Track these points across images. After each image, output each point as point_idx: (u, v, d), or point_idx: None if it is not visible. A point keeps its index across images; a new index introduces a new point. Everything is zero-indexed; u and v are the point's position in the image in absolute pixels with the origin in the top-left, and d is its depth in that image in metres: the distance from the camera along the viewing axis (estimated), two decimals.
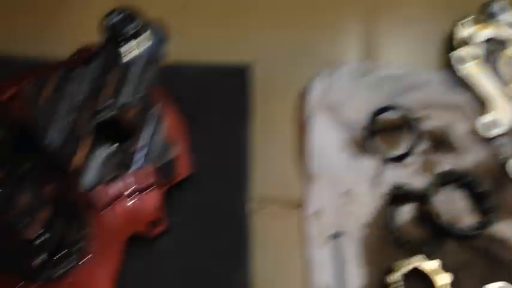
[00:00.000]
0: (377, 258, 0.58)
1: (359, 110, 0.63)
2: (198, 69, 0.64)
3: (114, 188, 0.52)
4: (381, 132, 0.63)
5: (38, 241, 0.45)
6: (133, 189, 0.54)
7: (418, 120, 0.63)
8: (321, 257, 0.57)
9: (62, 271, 0.50)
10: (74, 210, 0.52)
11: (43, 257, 0.47)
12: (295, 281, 0.57)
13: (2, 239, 0.43)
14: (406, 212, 0.61)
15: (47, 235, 0.45)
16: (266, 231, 0.59)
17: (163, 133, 0.50)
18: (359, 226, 0.59)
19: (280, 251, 0.59)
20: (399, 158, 0.62)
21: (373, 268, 0.57)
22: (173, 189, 0.57)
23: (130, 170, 0.49)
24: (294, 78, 0.67)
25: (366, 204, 0.60)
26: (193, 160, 0.59)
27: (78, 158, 0.48)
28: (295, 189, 0.62)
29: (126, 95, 0.51)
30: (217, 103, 0.63)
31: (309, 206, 0.60)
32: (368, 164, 0.62)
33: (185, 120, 0.59)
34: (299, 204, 0.61)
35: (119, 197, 0.54)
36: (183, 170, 0.57)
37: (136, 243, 0.55)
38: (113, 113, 0.51)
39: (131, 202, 0.54)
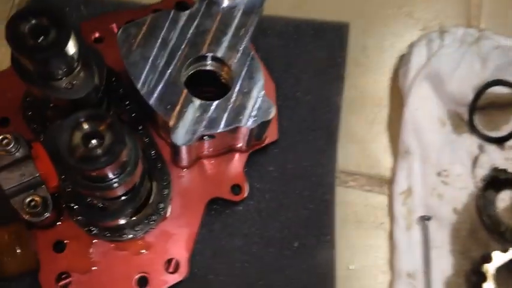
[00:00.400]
0: (468, 247, 0.54)
1: (463, 83, 0.56)
2: (291, 24, 0.59)
3: (201, 147, 0.49)
4: (486, 109, 0.57)
5: (126, 197, 0.43)
6: (220, 149, 0.51)
7: None
8: (408, 240, 0.53)
9: (143, 230, 0.48)
10: (161, 169, 0.49)
11: (127, 214, 0.45)
12: (378, 261, 0.54)
13: (86, 191, 0.41)
14: (504, 199, 0.56)
15: (135, 192, 0.43)
16: (350, 206, 0.56)
17: (259, 91, 0.46)
18: (451, 210, 0.55)
19: (365, 228, 0.55)
20: (502, 139, 0.57)
21: (464, 257, 0.53)
22: (257, 154, 0.54)
23: (221, 130, 0.45)
24: (391, 43, 0.62)
25: (460, 187, 0.55)
26: (281, 124, 0.55)
27: (172, 112, 0.45)
28: (385, 164, 0.57)
29: (225, 47, 0.47)
30: (309, 62, 0.58)
31: (398, 184, 0.55)
32: (468, 144, 0.56)
33: (274, 80, 0.56)
34: (388, 181, 0.57)
35: (205, 157, 0.52)
36: (271, 133, 0.53)
37: (218, 207, 0.53)
38: (210, 65, 0.48)
39: (216, 164, 0.52)
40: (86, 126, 0.34)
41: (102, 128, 0.34)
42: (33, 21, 0.37)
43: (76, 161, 0.33)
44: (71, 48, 0.38)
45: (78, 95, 0.39)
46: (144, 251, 0.49)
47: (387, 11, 0.64)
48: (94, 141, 0.34)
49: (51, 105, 0.45)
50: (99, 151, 0.34)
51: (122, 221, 0.46)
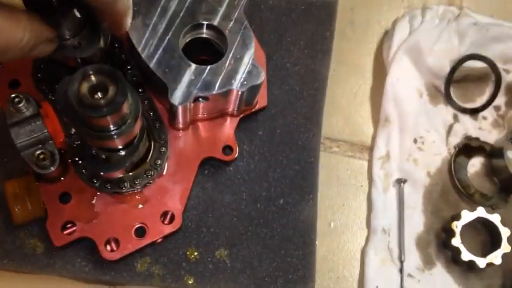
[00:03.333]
0: (440, 207, 0.59)
1: (441, 57, 0.61)
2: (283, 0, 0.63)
3: (196, 110, 0.53)
4: (461, 81, 0.62)
5: (126, 150, 0.47)
6: (213, 112, 0.55)
7: (500, 73, 0.61)
8: (384, 200, 0.58)
9: (141, 184, 0.52)
10: (159, 128, 0.54)
11: (127, 166, 0.49)
12: (357, 220, 0.59)
13: (91, 141, 0.45)
14: (474, 165, 0.61)
15: (135, 146, 0.48)
16: (333, 170, 0.60)
17: (250, 57, 0.50)
18: (425, 174, 0.60)
19: (346, 190, 0.60)
20: (475, 111, 0.61)
21: (435, 216, 0.58)
22: (248, 119, 0.58)
23: (214, 92, 0.49)
24: (377, 19, 0.66)
25: (435, 153, 0.60)
26: (271, 92, 0.59)
27: (169, 75, 0.49)
28: (367, 132, 0.62)
29: (220, 16, 0.51)
30: (299, 36, 0.62)
31: (378, 150, 0.60)
32: (443, 113, 0.61)
33: (265, 52, 0.59)
34: (368, 148, 0.62)
35: (199, 120, 0.56)
36: (261, 100, 0.57)
37: (210, 167, 0.57)
38: (205, 33, 0.52)
39: (209, 126, 0.56)
40: (93, 78, 0.38)
41: (107, 81, 0.38)
42: None
43: (83, 108, 0.37)
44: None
45: (85, 54, 0.43)
46: (142, 204, 0.53)
47: None
48: (99, 93, 0.38)
49: (59, 65, 0.49)
50: (103, 101, 0.38)
51: (123, 174, 0.50)
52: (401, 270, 0.56)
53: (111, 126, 0.41)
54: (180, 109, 0.51)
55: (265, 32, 0.61)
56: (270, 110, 0.59)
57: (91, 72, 0.37)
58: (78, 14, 0.42)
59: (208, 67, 0.50)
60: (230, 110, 0.55)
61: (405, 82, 0.61)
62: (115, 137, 0.42)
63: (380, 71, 0.64)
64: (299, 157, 0.58)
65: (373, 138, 0.61)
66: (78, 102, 0.37)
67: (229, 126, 0.57)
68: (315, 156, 0.58)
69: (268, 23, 0.62)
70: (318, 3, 0.64)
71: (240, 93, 0.51)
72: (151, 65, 0.50)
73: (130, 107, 0.41)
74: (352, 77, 0.64)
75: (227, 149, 0.56)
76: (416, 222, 0.58)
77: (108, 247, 0.52)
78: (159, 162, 0.53)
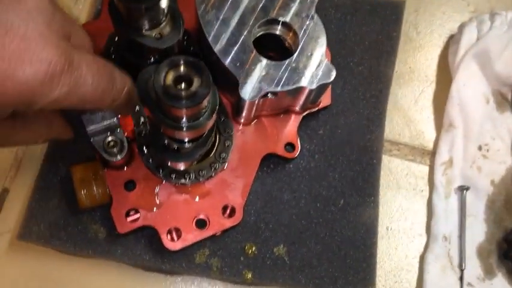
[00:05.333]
0: (502, 217, 0.57)
1: (509, 64, 0.59)
2: None
3: (262, 105, 0.53)
4: None
5: (197, 142, 0.48)
6: (278, 109, 0.55)
7: None
8: (445, 207, 0.57)
9: (205, 176, 0.53)
10: (224, 122, 0.54)
11: (196, 158, 0.50)
12: (415, 225, 0.58)
13: (167, 130, 0.46)
14: None
15: (205, 139, 0.48)
16: (392, 173, 0.60)
17: (322, 55, 0.50)
18: (489, 182, 0.58)
19: (405, 194, 0.59)
20: None
21: (497, 226, 0.57)
22: (309, 118, 0.58)
23: (285, 88, 0.49)
24: (442, 23, 0.65)
25: (499, 161, 0.59)
26: (334, 91, 0.59)
27: (241, 69, 0.49)
28: (428, 136, 0.61)
29: (293, 13, 0.51)
30: (364, 36, 0.62)
31: (441, 155, 0.59)
32: (509, 122, 0.60)
33: (330, 50, 0.59)
34: (430, 152, 0.61)
35: (263, 115, 0.56)
36: (324, 99, 0.57)
37: (270, 164, 0.57)
38: (277, 29, 0.52)
39: (273, 123, 0.56)
40: (181, 68, 0.38)
41: (192, 72, 0.38)
42: None
43: (167, 98, 0.38)
44: (164, 1, 0.42)
45: (166, 45, 0.44)
46: (203, 196, 0.54)
47: None
48: (183, 84, 0.39)
49: (132, 55, 0.50)
50: (186, 93, 0.38)
51: (189, 165, 0.51)
52: (461, 279, 0.55)
53: (190, 118, 0.41)
54: (247, 104, 0.51)
55: (329, 30, 0.60)
56: (332, 110, 0.59)
57: (181, 63, 0.37)
58: (163, 5, 0.42)
59: (280, 63, 0.50)
60: (295, 107, 0.55)
61: (472, 87, 0.59)
62: (192, 128, 0.42)
63: (444, 75, 0.63)
64: (360, 158, 0.58)
65: (436, 143, 0.60)
66: (163, 91, 0.38)
67: (292, 123, 0.56)
68: (377, 158, 0.58)
69: (332, 21, 0.62)
70: (385, 3, 0.63)
71: (309, 91, 0.51)
72: (223, 58, 0.50)
73: (210, 100, 0.42)
74: (415, 80, 0.63)
75: (289, 146, 0.56)
76: (477, 231, 0.57)
77: (170, 237, 0.53)
78: (223, 155, 0.54)
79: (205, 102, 0.40)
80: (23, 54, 0.32)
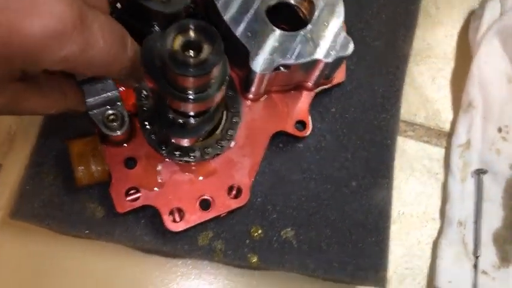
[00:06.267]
0: None
1: None
2: None
3: (273, 79, 0.50)
4: None
5: (204, 116, 0.44)
6: (290, 84, 0.52)
7: None
8: (461, 191, 0.55)
9: (211, 154, 0.50)
10: (232, 97, 0.51)
11: (203, 133, 0.46)
12: (429, 209, 0.56)
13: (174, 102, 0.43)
14: None
15: (212, 113, 0.45)
16: (406, 155, 0.57)
17: (339, 26, 0.47)
18: (507, 166, 0.56)
19: (419, 177, 0.56)
20: None
21: None
22: (321, 95, 0.55)
23: (299, 61, 0.46)
24: None
25: None
26: (347, 67, 0.56)
27: (252, 40, 0.46)
28: (445, 117, 0.58)
29: None
30: (381, 8, 0.58)
31: (458, 137, 0.56)
32: None
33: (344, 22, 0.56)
34: (446, 134, 0.58)
35: (273, 91, 0.53)
36: (338, 75, 0.54)
37: (279, 142, 0.54)
38: None
39: (283, 99, 0.53)
40: (191, 34, 0.35)
41: (203, 39, 0.35)
42: None
43: (175, 65, 0.34)
44: None
45: (173, 9, 0.41)
46: (208, 175, 0.51)
47: None
48: (191, 51, 0.35)
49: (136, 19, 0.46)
50: (196, 60, 0.35)
51: (194, 142, 0.48)
52: (475, 266, 0.53)
53: (198, 88, 0.38)
54: (257, 77, 0.48)
55: (344, 1, 0.57)
56: (345, 86, 0.56)
57: (192, 27, 0.34)
58: None
59: (294, 34, 0.46)
60: (308, 82, 0.52)
61: (493, 65, 0.56)
62: (199, 100, 0.39)
63: (463, 53, 0.60)
64: (374, 138, 0.55)
65: (453, 124, 0.57)
66: (170, 58, 0.35)
67: (304, 100, 0.53)
68: (391, 139, 0.54)
69: None
70: None
71: (324, 64, 0.47)
72: (234, 27, 0.46)
73: (221, 69, 0.38)
74: (433, 57, 0.60)
75: (300, 124, 0.53)
76: (494, 216, 0.54)
77: (172, 218, 0.50)
78: (230, 132, 0.50)
79: (215, 72, 0.37)
80: (32, 6, 0.29)
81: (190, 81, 0.37)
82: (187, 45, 0.35)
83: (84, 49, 0.32)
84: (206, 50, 0.35)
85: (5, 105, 0.35)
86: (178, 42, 0.35)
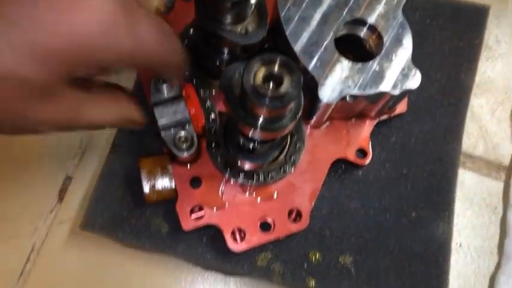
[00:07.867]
0: None
1: None
2: (430, 2, 0.60)
3: (338, 108, 0.50)
4: None
5: (273, 143, 0.46)
6: (353, 112, 0.53)
7: None
8: None
9: (274, 178, 0.51)
10: (298, 123, 0.52)
11: (270, 159, 0.48)
12: (487, 243, 0.55)
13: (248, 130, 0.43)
14: None
15: (281, 140, 0.46)
16: (465, 187, 0.57)
17: (407, 59, 0.48)
18: None
19: (477, 210, 0.56)
20: None
21: None
22: (382, 124, 0.56)
23: (366, 92, 0.47)
24: None
25: None
26: (409, 98, 0.56)
27: (320, 69, 0.47)
28: (505, 151, 0.58)
29: (378, 15, 0.49)
30: (444, 41, 0.59)
31: None
32: None
33: None
34: (506, 168, 0.57)
35: (336, 118, 0.54)
36: (400, 106, 0.55)
37: (338, 169, 0.55)
38: (360, 30, 0.50)
39: (345, 126, 0.54)
40: (275, 67, 0.36)
41: (284, 72, 0.37)
42: None
43: (257, 97, 0.36)
44: None
45: (252, 41, 0.42)
46: (269, 198, 0.52)
47: None
48: (272, 83, 0.37)
49: (209, 50, 0.48)
50: (276, 93, 0.37)
51: (263, 166, 0.49)
52: None
53: (273, 118, 0.40)
54: (323, 106, 0.49)
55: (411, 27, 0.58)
56: (407, 117, 0.56)
57: (278, 62, 0.36)
58: (252, 0, 0.41)
59: (363, 65, 0.47)
60: (371, 112, 0.53)
61: None
62: (274, 130, 0.40)
63: None
64: (435, 170, 0.55)
65: None
66: (251, 89, 0.36)
67: (366, 128, 0.54)
68: (453, 171, 0.55)
69: (411, 24, 0.58)
70: (468, 8, 0.60)
71: (390, 96, 0.48)
72: (304, 59, 0.48)
73: (296, 102, 0.40)
74: (493, 90, 0.60)
75: (361, 152, 0.54)
76: None
77: (233, 238, 0.51)
78: (294, 157, 0.52)
79: (292, 104, 0.39)
80: (78, 2, 0.29)
81: (267, 112, 0.38)
82: (268, 77, 0.37)
83: (138, 44, 0.32)
84: (286, 83, 0.37)
85: (65, 114, 0.34)
86: (261, 74, 0.37)
